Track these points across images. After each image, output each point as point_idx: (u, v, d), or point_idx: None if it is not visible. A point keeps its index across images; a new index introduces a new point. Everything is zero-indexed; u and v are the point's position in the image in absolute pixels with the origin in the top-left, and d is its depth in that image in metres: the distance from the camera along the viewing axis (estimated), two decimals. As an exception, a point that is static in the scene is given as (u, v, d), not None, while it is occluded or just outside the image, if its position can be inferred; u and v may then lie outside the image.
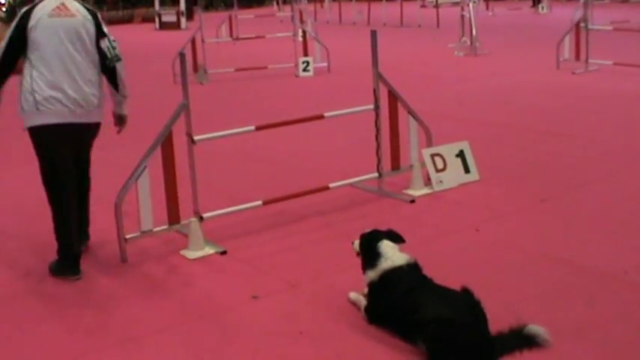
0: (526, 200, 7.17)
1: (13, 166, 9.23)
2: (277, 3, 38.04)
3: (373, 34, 7.16)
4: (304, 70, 15.87)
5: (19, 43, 5.71)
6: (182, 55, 6.18)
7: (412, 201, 7.26)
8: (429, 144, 7.78)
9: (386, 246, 4.92)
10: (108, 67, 5.97)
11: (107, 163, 9.32)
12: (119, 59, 6.01)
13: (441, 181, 7.58)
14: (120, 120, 6.39)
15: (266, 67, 16.41)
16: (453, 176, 7.67)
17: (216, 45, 19.48)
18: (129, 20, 38.76)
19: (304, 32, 16.94)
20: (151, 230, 6.28)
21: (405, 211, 7.04)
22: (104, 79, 6.04)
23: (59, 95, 5.70)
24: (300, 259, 6.01)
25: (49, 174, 5.96)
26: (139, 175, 6.08)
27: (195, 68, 16.02)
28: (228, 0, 45.76)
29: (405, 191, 7.50)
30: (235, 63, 17.15)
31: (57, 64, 5.71)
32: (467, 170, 7.78)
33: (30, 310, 5.40)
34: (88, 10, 5.94)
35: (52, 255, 5.99)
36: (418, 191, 7.48)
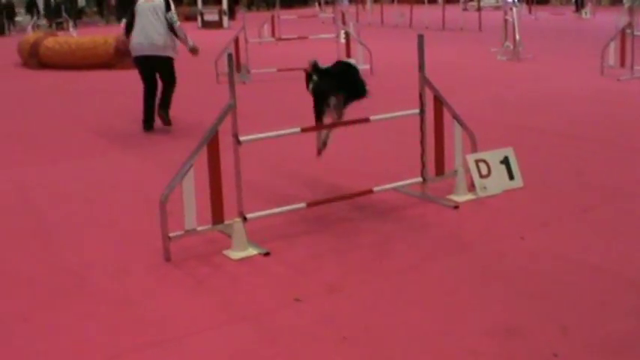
0: (570, 209, 7.09)
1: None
2: (319, 4, 38.06)
3: (420, 38, 7.12)
4: (346, 71, 15.80)
5: (132, 17, 11.21)
6: (230, 56, 6.20)
7: (456, 207, 7.21)
8: (474, 149, 7.73)
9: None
10: (171, 27, 11.13)
11: (152, 160, 9.41)
12: (176, 22, 11.17)
13: (485, 188, 7.52)
14: (191, 51, 11.44)
15: (308, 68, 16.41)
16: (497, 183, 7.61)
17: (259, 45, 19.53)
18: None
19: (347, 34, 16.89)
20: (195, 229, 6.31)
21: (448, 216, 7.00)
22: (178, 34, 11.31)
23: (142, 41, 11.13)
24: (343, 263, 5.99)
25: (142, 80, 11.45)
26: (185, 175, 6.10)
27: (238, 68, 16.08)
28: (270, 0, 46.06)
29: (448, 197, 7.45)
30: (277, 63, 17.17)
31: (143, 26, 11.10)
32: (511, 177, 7.71)
33: (69, 306, 5.44)
34: None
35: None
36: (462, 197, 7.43)
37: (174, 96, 11.59)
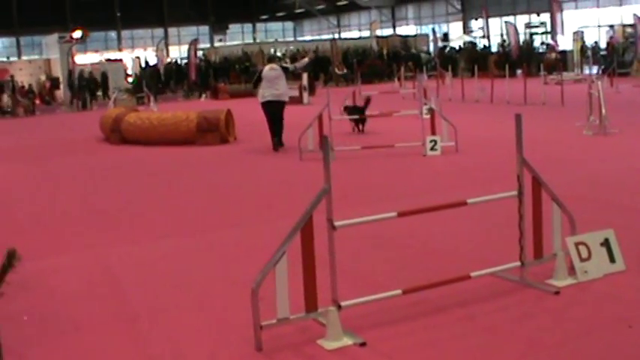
0: (680, 294, 6.74)
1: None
2: (399, 79, 38.13)
3: (518, 118, 6.92)
4: (432, 149, 15.59)
5: (258, 79, 17.81)
6: (325, 139, 6.12)
7: (557, 292, 6.89)
8: (573, 232, 7.43)
9: None
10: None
11: (243, 243, 9.30)
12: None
13: (585, 272, 7.20)
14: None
15: (393, 146, 16.26)
16: (598, 266, 7.28)
17: (340, 121, 19.51)
18: (252, 94, 39.54)
19: (431, 110, 16.71)
20: (288, 318, 6.11)
21: (549, 303, 6.67)
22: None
23: (267, 94, 17.47)
24: (441, 354, 5.73)
25: (267, 118, 17.84)
26: (277, 261, 5.94)
27: (321, 145, 16.00)
28: (349, 75, 46.40)
29: (548, 281, 7.12)
30: (361, 140, 17.09)
31: (269, 86, 17.51)
32: (612, 260, 7.38)
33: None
34: (281, 67, 18.28)
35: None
36: (562, 281, 7.11)
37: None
